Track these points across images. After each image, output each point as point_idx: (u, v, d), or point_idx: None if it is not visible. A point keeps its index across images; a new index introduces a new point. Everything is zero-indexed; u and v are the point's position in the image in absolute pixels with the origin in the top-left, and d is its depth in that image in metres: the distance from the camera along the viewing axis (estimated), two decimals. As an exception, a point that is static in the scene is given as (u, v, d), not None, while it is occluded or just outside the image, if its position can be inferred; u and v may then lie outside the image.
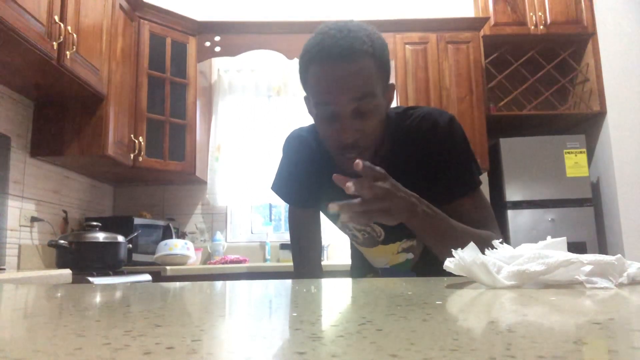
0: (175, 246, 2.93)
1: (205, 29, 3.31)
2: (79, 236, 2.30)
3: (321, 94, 0.89)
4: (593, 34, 3.45)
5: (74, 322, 0.38)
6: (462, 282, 0.64)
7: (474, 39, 3.35)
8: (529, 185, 3.23)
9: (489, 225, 0.98)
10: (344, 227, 1.15)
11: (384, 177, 0.80)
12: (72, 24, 2.20)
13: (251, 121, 3.57)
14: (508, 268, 0.57)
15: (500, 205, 3.23)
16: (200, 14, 3.44)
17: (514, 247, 0.62)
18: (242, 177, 3.46)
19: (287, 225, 1.25)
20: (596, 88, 3.40)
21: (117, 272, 2.33)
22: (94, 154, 2.55)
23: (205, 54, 3.33)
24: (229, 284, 0.81)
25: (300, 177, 1.13)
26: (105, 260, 2.30)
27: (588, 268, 0.54)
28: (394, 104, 1.03)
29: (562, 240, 0.61)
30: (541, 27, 3.40)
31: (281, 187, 1.17)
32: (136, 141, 2.90)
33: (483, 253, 0.60)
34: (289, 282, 0.81)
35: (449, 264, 0.60)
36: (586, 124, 3.52)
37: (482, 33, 3.39)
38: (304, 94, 0.98)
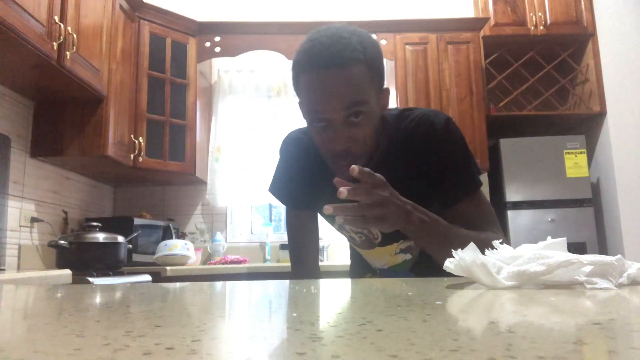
0: (175, 246, 2.93)
1: (205, 30, 3.31)
2: (79, 236, 2.30)
3: (312, 103, 0.88)
4: (593, 34, 3.45)
5: (74, 322, 0.38)
6: (462, 282, 0.64)
7: (474, 40, 3.35)
8: (529, 185, 3.23)
9: (492, 225, 0.98)
10: (341, 229, 1.14)
11: (383, 184, 0.80)
12: (72, 25, 2.20)
13: (251, 122, 3.58)
14: (508, 268, 0.57)
15: (500, 206, 3.23)
16: (200, 14, 3.44)
17: (514, 248, 0.62)
18: (242, 177, 3.46)
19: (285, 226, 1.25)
20: (596, 88, 3.41)
21: (117, 273, 2.33)
22: (94, 154, 2.55)
23: (205, 55, 3.33)
24: (229, 284, 0.81)
25: (297, 178, 1.12)
26: (105, 261, 2.30)
27: (588, 268, 0.54)
28: (393, 105, 1.03)
29: (562, 241, 0.61)
30: (541, 27, 3.41)
31: (278, 189, 1.17)
32: (136, 141, 2.90)
33: (483, 254, 0.60)
34: (288, 282, 0.81)
35: (449, 264, 0.60)
36: (586, 125, 3.52)
37: (482, 33, 3.40)
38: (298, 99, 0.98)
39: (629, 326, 0.34)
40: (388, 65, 3.31)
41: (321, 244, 3.26)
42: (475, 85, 3.29)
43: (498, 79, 3.46)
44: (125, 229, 2.71)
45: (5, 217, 2.27)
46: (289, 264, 1.25)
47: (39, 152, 2.52)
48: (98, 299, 0.57)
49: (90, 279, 2.00)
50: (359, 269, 1.22)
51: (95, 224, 2.37)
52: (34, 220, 2.49)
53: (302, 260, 1.20)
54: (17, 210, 2.38)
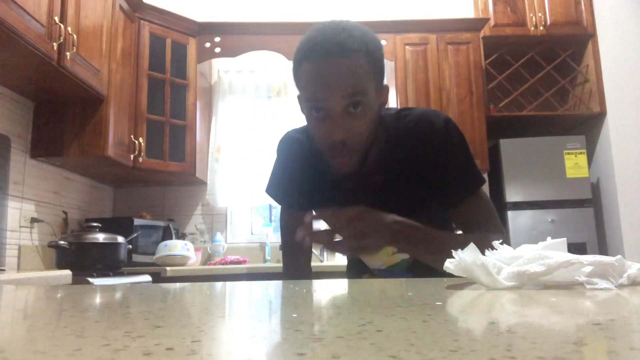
0: (175, 247, 2.93)
1: (205, 30, 3.31)
2: (79, 237, 2.30)
3: (312, 90, 0.88)
4: (593, 35, 3.45)
5: (74, 323, 0.38)
6: (462, 283, 0.63)
7: (473, 40, 3.35)
8: (529, 186, 3.23)
9: (493, 223, 0.98)
10: None
11: (359, 215, 0.83)
12: (72, 25, 2.20)
13: (251, 122, 3.58)
14: (508, 269, 0.57)
15: (500, 206, 3.23)
16: (200, 14, 3.44)
17: (514, 248, 0.62)
18: (242, 178, 3.46)
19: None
20: (596, 89, 3.41)
21: (117, 273, 2.33)
22: (94, 155, 2.55)
23: (205, 55, 3.33)
24: (229, 284, 0.81)
25: (292, 178, 1.12)
26: (105, 261, 2.30)
27: (588, 269, 0.54)
28: (393, 105, 1.03)
29: (562, 241, 0.61)
30: (541, 28, 3.41)
31: (274, 189, 1.16)
32: (136, 142, 2.90)
33: (483, 254, 0.60)
34: (288, 283, 0.81)
35: (448, 264, 0.60)
36: (586, 125, 3.52)
37: (482, 34, 3.40)
38: (298, 92, 0.98)
39: (629, 326, 0.34)
40: (388, 65, 3.31)
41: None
42: (475, 86, 3.30)
43: (498, 79, 3.46)
44: (125, 229, 2.71)
45: (5, 218, 2.27)
46: (289, 264, 1.24)
47: (39, 153, 2.52)
48: (98, 300, 0.57)
49: (90, 280, 2.00)
50: (356, 269, 1.22)
51: (95, 224, 2.37)
52: (34, 220, 2.49)
53: (295, 261, 1.19)
54: (17, 210, 2.38)
